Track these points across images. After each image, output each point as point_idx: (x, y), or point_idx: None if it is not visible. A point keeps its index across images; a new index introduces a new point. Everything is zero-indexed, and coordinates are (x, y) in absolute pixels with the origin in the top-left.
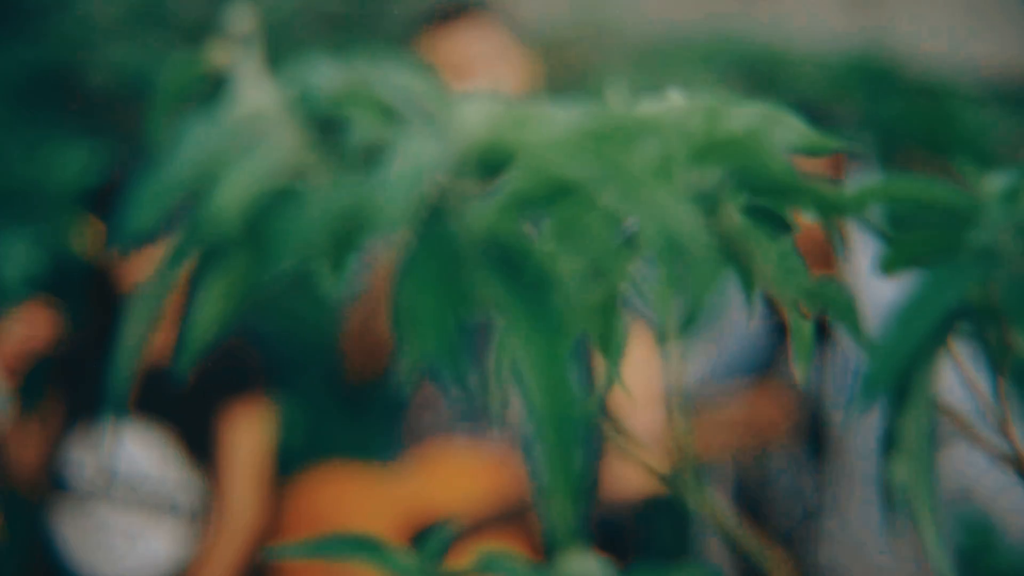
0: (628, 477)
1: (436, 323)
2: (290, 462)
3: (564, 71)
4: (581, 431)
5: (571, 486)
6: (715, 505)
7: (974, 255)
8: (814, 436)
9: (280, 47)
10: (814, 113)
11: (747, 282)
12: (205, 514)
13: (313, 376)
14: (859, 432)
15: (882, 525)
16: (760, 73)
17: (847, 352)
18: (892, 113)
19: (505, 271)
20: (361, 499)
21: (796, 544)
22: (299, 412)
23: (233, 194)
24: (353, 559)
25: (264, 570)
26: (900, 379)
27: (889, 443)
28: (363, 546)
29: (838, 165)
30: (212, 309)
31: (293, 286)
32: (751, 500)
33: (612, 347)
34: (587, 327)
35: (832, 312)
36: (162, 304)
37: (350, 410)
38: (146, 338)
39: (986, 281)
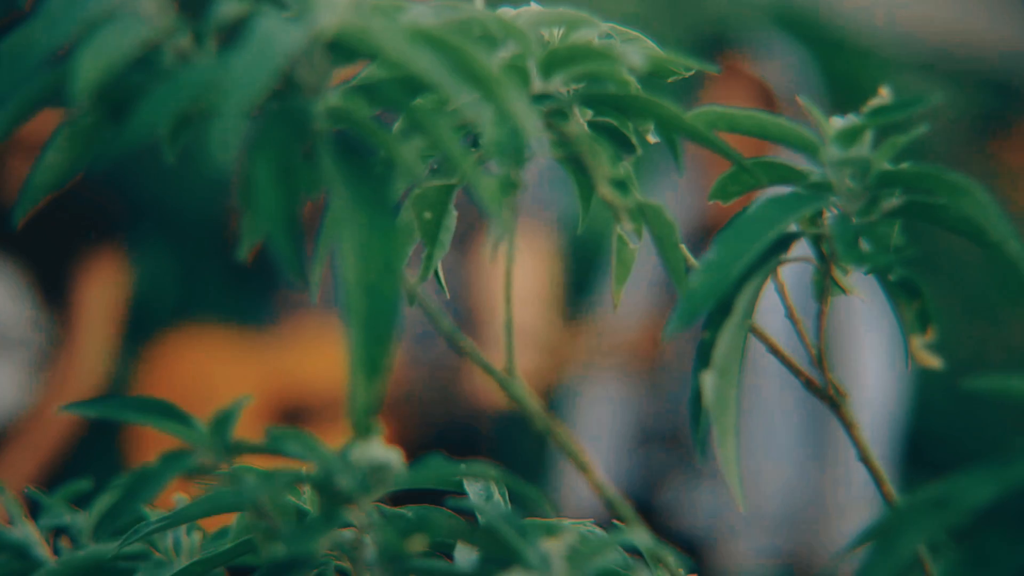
0: (491, 387)
1: (275, 200)
2: (161, 319)
3: None
4: (395, 311)
5: (375, 365)
6: (556, 426)
7: (809, 187)
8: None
9: None
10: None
11: (584, 192)
12: (53, 358)
13: (194, 237)
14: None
15: (691, 436)
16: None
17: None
18: (801, 63)
19: (347, 155)
20: (229, 364)
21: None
22: (175, 271)
23: (91, 61)
24: (150, 424)
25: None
26: (724, 297)
27: (702, 359)
28: (161, 411)
29: (761, 147)
30: (55, 159)
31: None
32: (642, 419)
33: (436, 242)
34: (418, 215)
35: (653, 231)
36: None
37: (228, 273)
38: None
39: (818, 214)
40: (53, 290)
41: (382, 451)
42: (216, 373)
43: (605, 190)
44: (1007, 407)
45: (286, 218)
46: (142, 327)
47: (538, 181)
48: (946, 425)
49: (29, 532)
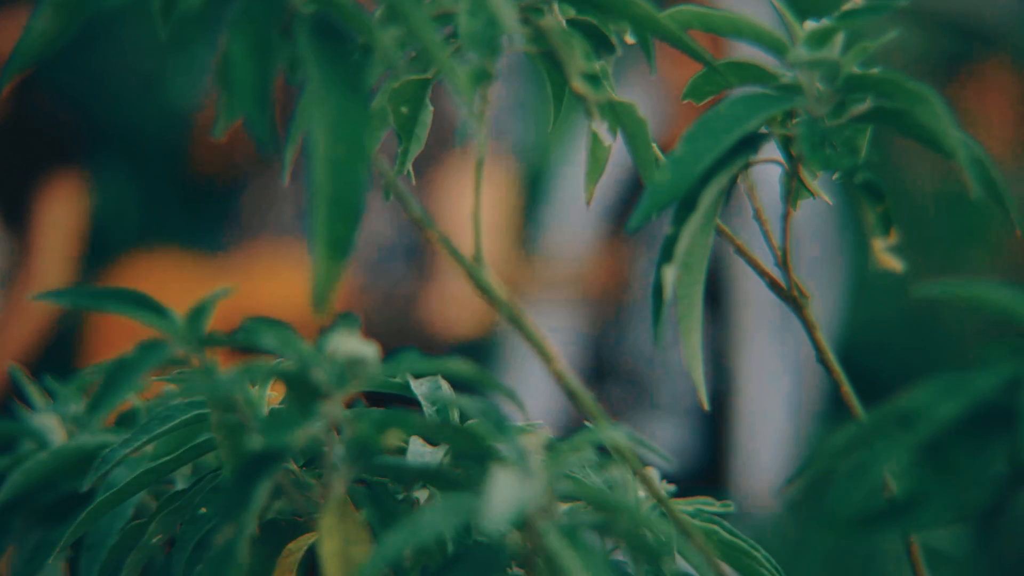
0: (451, 315)
1: (250, 74)
2: (120, 244)
3: None
4: (361, 190)
5: (339, 244)
6: (542, 340)
7: (778, 88)
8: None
9: None
10: None
11: (557, 92)
12: (11, 280)
13: (154, 162)
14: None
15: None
16: None
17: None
18: None
19: (323, 37)
20: (187, 288)
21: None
22: (134, 196)
23: None
24: (124, 313)
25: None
26: (689, 192)
27: (666, 254)
28: (136, 301)
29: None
30: (43, 25)
31: (145, 83)
32: (601, 344)
33: (412, 137)
34: (394, 109)
35: (624, 128)
36: None
37: (187, 199)
38: None
39: (788, 116)
40: (13, 213)
41: (358, 344)
42: (174, 298)
43: (578, 84)
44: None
45: (260, 91)
46: (101, 251)
47: (497, 113)
48: (900, 362)
49: (47, 420)
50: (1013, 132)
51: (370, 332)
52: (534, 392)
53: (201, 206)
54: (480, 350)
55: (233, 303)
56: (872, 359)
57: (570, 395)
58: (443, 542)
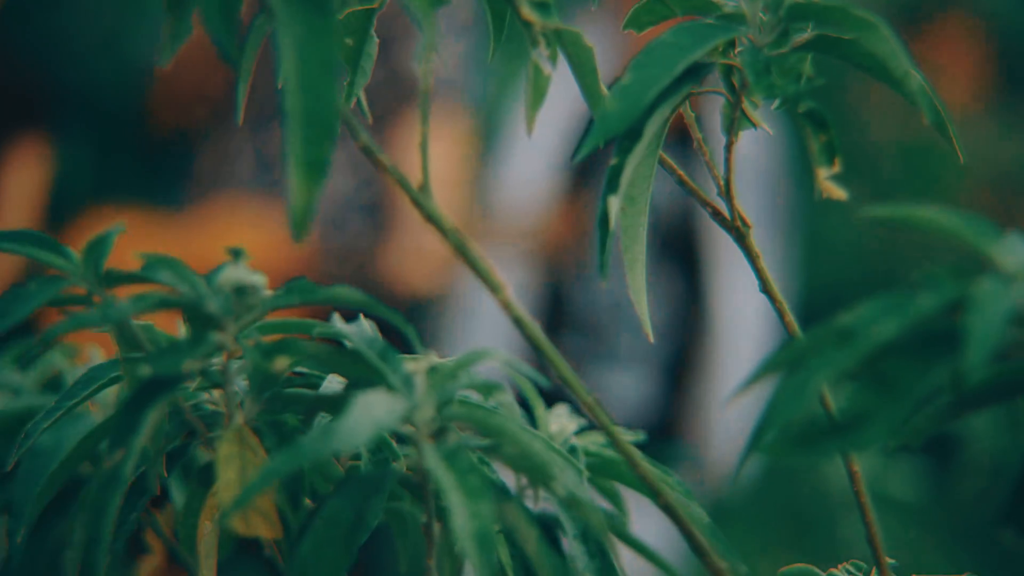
0: (409, 271)
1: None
2: (74, 202)
3: None
4: (333, 110)
5: (315, 164)
6: (489, 270)
7: (722, 18)
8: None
9: None
10: None
11: (498, 18)
12: None
13: (112, 121)
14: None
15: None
16: None
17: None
18: None
19: None
20: (145, 246)
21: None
22: (92, 154)
23: None
24: (24, 253)
25: None
26: (635, 122)
27: (611, 184)
28: (36, 241)
29: None
30: None
31: (105, 41)
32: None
33: (358, 69)
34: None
35: (570, 57)
36: None
37: (145, 157)
38: None
39: (730, 45)
40: None
41: (246, 273)
42: (132, 255)
43: (525, 9)
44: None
45: (228, 18)
46: (61, 209)
47: (452, 69)
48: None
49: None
50: (973, 83)
51: None
52: (492, 344)
53: (160, 163)
54: (438, 305)
55: (191, 259)
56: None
57: (517, 323)
58: (329, 466)
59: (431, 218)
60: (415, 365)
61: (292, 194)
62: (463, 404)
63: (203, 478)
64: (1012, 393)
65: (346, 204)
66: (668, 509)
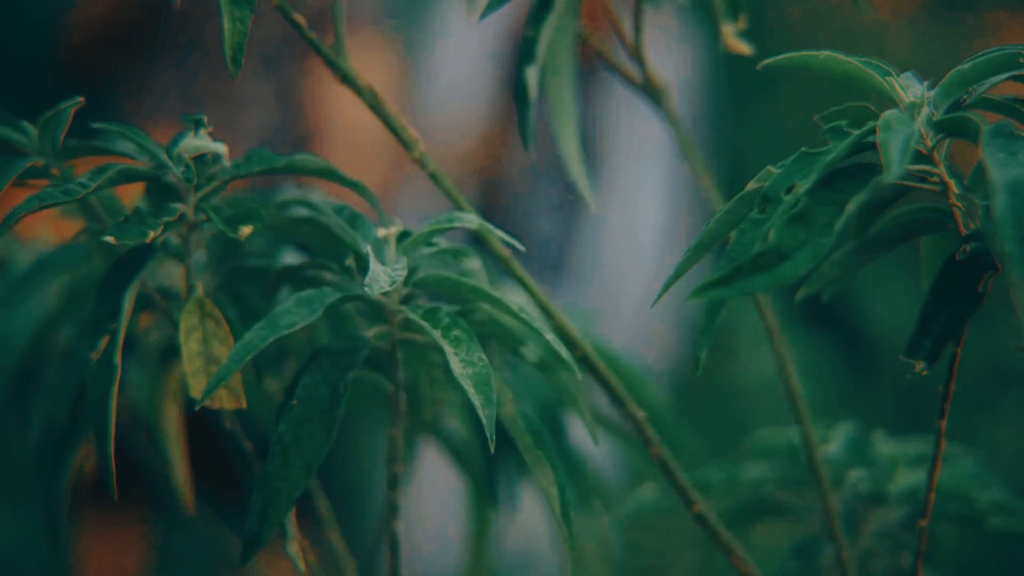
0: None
1: None
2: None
3: None
4: None
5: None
6: (404, 128)
7: None
8: None
9: None
10: None
11: None
12: None
13: (26, 60)
14: None
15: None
16: None
17: None
18: None
19: None
20: None
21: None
22: (6, 97)
23: None
24: None
25: None
26: None
27: (527, 55)
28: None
29: None
30: None
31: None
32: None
33: None
34: None
35: None
36: None
37: (60, 96)
38: None
39: None
40: None
41: (206, 142)
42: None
43: None
44: None
45: None
46: None
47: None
48: None
49: None
50: None
51: None
52: None
53: (81, 109)
54: None
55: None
56: None
57: (433, 178)
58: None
59: (345, 78)
60: (385, 231)
61: (224, 30)
62: (433, 268)
63: (164, 359)
64: (906, 236)
65: (275, 137)
66: (585, 359)
